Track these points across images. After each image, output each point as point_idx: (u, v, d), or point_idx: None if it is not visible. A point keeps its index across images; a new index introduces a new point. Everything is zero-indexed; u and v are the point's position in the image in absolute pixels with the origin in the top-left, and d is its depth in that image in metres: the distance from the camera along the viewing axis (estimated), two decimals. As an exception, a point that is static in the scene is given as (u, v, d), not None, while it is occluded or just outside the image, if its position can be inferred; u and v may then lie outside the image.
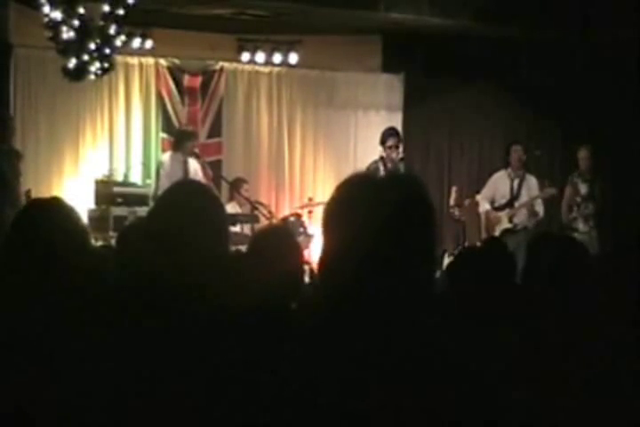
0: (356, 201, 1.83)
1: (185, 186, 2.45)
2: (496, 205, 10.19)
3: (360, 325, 1.76)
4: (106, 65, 8.86)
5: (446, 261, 9.84)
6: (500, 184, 10.24)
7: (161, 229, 2.17)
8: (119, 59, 9.73)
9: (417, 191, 1.90)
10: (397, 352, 1.74)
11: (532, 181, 10.19)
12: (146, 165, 11.02)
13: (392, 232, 1.80)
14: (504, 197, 10.18)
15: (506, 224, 10.08)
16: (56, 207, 2.75)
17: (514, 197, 10.13)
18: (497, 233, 10.08)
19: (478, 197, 10.36)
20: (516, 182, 10.14)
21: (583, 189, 10.09)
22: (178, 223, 2.16)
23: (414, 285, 1.81)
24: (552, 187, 10.11)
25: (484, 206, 10.23)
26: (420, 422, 1.71)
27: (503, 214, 10.12)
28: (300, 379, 1.75)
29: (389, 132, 9.87)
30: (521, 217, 10.09)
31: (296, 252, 3.50)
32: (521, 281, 3.34)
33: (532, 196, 10.08)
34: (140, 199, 9.95)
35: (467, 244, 10.11)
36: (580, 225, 9.98)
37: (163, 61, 11.33)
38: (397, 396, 1.71)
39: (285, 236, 3.64)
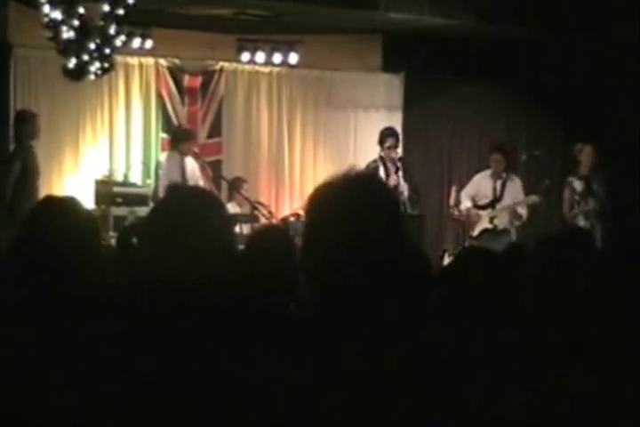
0: (319, 212, 1.86)
1: (183, 189, 2.43)
2: (478, 203, 10.15)
3: (352, 326, 1.77)
4: (106, 65, 8.87)
5: (446, 261, 9.84)
6: (482, 184, 10.19)
7: (160, 233, 2.16)
8: (119, 59, 9.73)
9: (373, 189, 1.91)
10: (394, 352, 1.74)
11: (516, 183, 10.15)
12: (146, 164, 11.02)
13: (367, 235, 1.82)
14: (486, 197, 10.14)
15: (486, 224, 10.05)
16: (65, 207, 2.75)
17: (496, 198, 10.09)
18: (476, 232, 10.06)
19: (461, 194, 10.29)
20: (498, 183, 10.10)
21: (579, 186, 10.08)
22: (176, 226, 2.15)
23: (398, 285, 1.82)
24: (536, 195, 10.09)
25: (466, 204, 10.17)
26: (419, 422, 1.71)
27: (484, 214, 10.08)
28: (299, 380, 1.75)
29: (388, 132, 9.88)
30: (502, 219, 10.06)
31: (292, 251, 3.50)
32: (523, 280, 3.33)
33: (516, 199, 10.05)
34: (140, 199, 9.95)
35: (467, 244, 10.10)
36: (581, 222, 9.97)
37: (163, 61, 11.33)
38: (397, 396, 1.71)
39: (281, 235, 3.64)
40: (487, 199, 10.12)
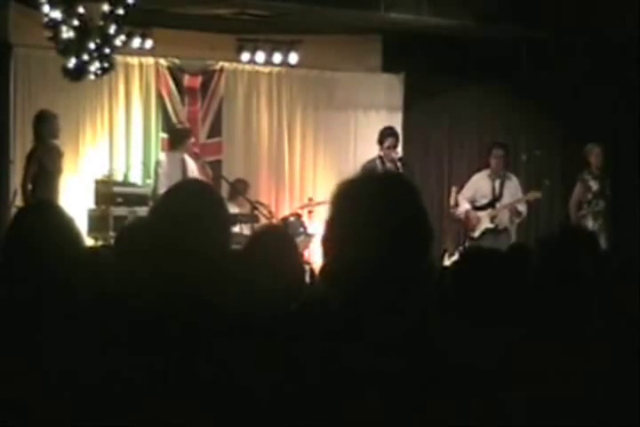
0: (352, 208, 1.84)
1: (185, 187, 2.42)
2: (477, 204, 10.15)
3: (366, 328, 1.77)
4: (106, 65, 8.88)
5: (446, 261, 9.84)
6: (480, 184, 10.18)
7: (161, 232, 2.16)
8: (119, 59, 9.73)
9: (410, 191, 1.91)
10: (401, 354, 1.74)
11: (514, 182, 10.16)
12: (146, 164, 11.02)
13: (393, 233, 1.81)
14: (485, 198, 10.13)
15: (487, 224, 10.05)
16: (46, 212, 2.75)
17: (495, 197, 10.09)
18: (477, 233, 10.05)
19: (459, 197, 10.29)
20: (497, 183, 10.10)
21: (594, 185, 10.06)
22: (177, 226, 2.14)
23: (419, 287, 1.82)
24: (537, 191, 10.10)
25: (464, 206, 10.15)
26: (421, 424, 1.71)
27: (484, 214, 10.07)
28: (300, 380, 1.75)
29: (388, 132, 9.86)
30: (503, 218, 10.06)
31: (293, 251, 3.50)
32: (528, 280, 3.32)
33: (515, 197, 10.05)
34: (140, 199, 9.95)
35: (467, 244, 10.10)
36: (590, 222, 9.95)
37: (163, 61, 11.33)
38: (399, 399, 1.71)
39: (281, 235, 3.64)
40: (486, 199, 10.11)
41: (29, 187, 9.04)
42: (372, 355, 1.74)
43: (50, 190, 9.06)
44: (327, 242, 1.87)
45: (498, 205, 10.06)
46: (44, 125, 9.25)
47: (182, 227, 2.14)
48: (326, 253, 1.87)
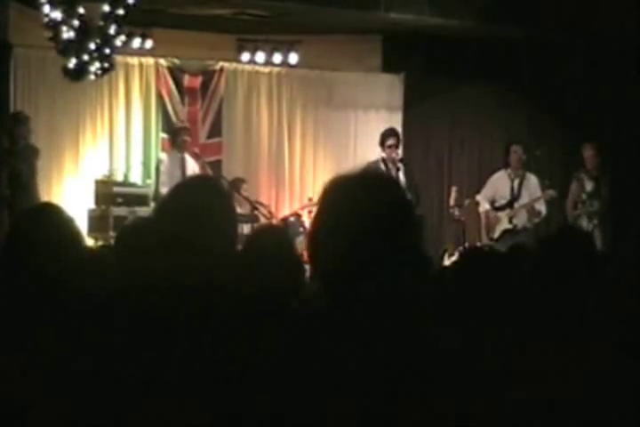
0: (338, 206, 1.86)
1: (193, 182, 2.42)
2: (496, 205, 10.17)
3: (355, 324, 1.77)
4: (106, 65, 8.88)
5: (446, 261, 9.85)
6: (499, 184, 10.20)
7: (167, 229, 2.16)
8: (119, 59, 9.73)
9: (395, 191, 1.92)
10: (393, 352, 1.74)
11: (532, 181, 10.16)
12: (146, 164, 11.03)
13: (378, 232, 1.81)
14: (504, 198, 10.14)
15: (506, 225, 10.06)
16: (48, 213, 2.75)
17: (514, 197, 10.09)
18: (497, 234, 10.07)
19: (478, 197, 10.33)
20: (516, 182, 10.11)
21: (589, 186, 10.07)
22: (184, 223, 2.15)
23: (403, 284, 1.82)
24: (552, 189, 10.10)
25: (484, 206, 10.20)
26: (417, 422, 1.71)
27: (503, 215, 10.08)
28: (298, 377, 1.75)
29: (389, 132, 9.89)
30: (521, 218, 10.06)
31: (292, 250, 3.51)
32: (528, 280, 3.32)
33: (533, 197, 10.06)
34: (140, 199, 9.96)
35: (467, 244, 10.10)
36: (584, 223, 9.95)
37: (163, 61, 11.34)
38: (394, 396, 1.71)
39: (279, 234, 3.65)
40: (505, 200, 10.11)
41: (6, 187, 9.04)
42: (370, 353, 1.74)
43: (31, 189, 9.06)
44: (313, 239, 1.88)
45: (516, 205, 10.07)
46: (23, 127, 9.30)
47: (191, 220, 2.14)
48: (311, 249, 1.88)
